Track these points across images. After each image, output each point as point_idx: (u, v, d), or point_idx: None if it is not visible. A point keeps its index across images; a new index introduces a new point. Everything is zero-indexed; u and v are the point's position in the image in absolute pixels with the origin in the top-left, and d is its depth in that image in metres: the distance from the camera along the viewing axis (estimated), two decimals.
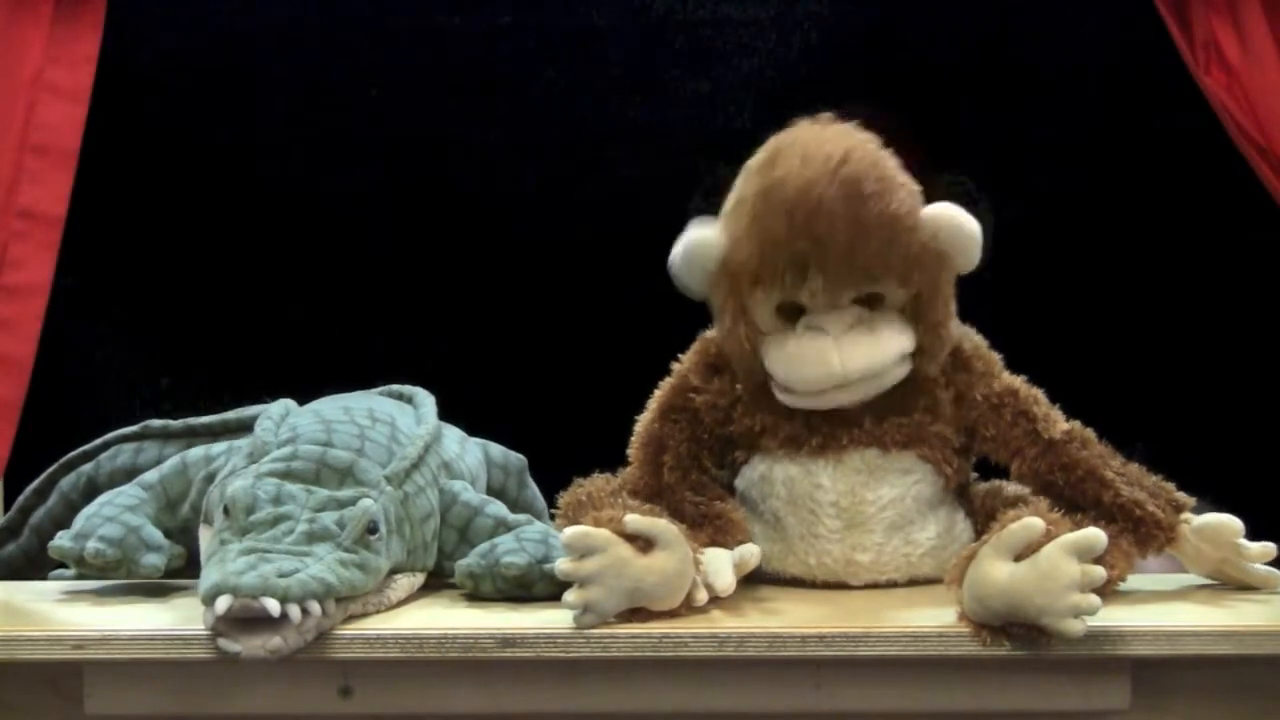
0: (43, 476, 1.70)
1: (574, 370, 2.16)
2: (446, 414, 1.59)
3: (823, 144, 1.40)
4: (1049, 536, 1.27)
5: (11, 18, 1.63)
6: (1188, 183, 2.13)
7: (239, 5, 2.17)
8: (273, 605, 1.22)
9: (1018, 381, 1.48)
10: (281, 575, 1.24)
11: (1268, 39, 1.64)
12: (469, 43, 2.18)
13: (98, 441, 1.68)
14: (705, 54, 2.19)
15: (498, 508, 1.49)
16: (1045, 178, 2.08)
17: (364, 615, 1.34)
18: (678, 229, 1.46)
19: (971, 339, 1.50)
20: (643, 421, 1.53)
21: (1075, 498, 1.43)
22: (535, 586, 1.39)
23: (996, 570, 1.28)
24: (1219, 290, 2.16)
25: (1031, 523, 1.28)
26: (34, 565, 1.64)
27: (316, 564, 1.27)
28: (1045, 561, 1.26)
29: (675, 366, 1.54)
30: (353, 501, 1.35)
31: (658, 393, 1.53)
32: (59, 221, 1.64)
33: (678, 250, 1.46)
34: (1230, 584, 1.46)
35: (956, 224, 1.43)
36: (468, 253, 2.20)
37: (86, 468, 1.66)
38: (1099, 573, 1.26)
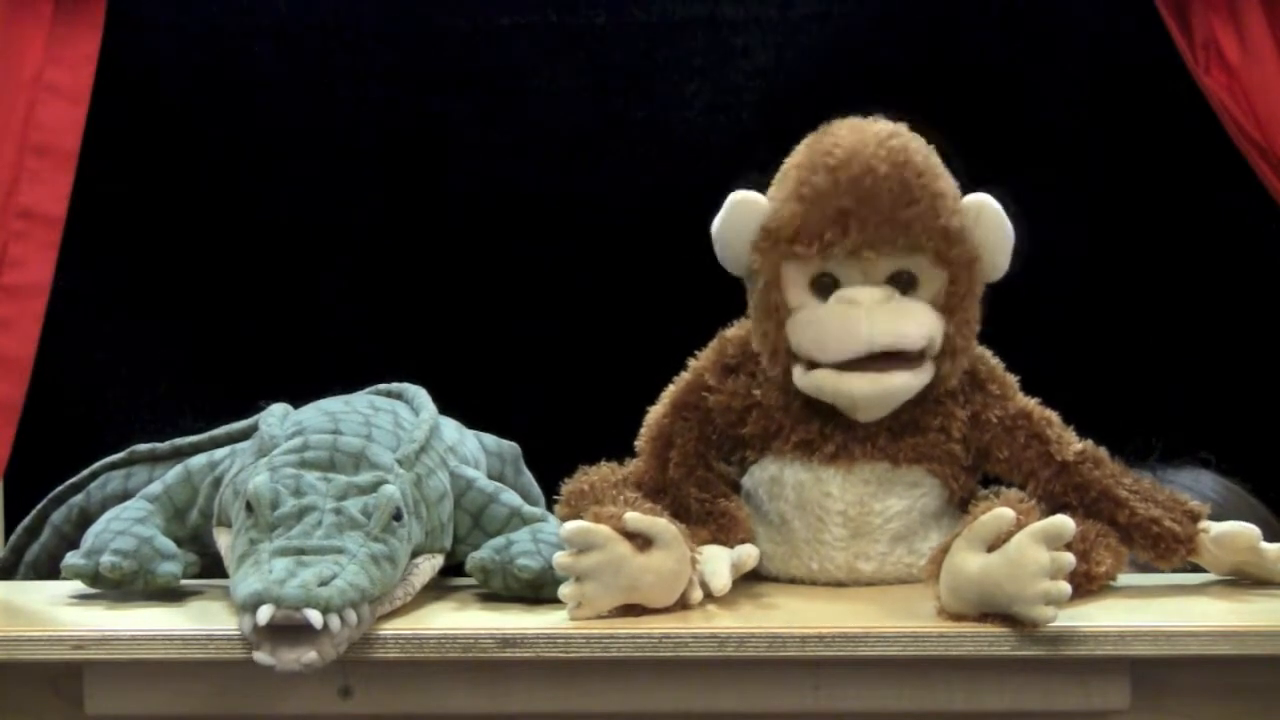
0: (32, 514, 1.69)
1: (567, 371, 2.16)
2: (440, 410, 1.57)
3: (872, 123, 1.44)
4: (1019, 526, 1.27)
5: (11, 18, 1.62)
6: (1187, 183, 2.13)
7: (239, 5, 2.17)
8: (315, 617, 1.21)
9: (1032, 404, 1.48)
10: (322, 583, 1.23)
11: (1268, 39, 1.63)
12: (468, 42, 2.19)
13: (85, 472, 1.67)
14: (705, 54, 2.19)
15: (511, 496, 1.49)
16: (1044, 178, 2.08)
17: (391, 612, 1.34)
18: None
19: (987, 361, 1.50)
20: (653, 414, 1.52)
21: (1091, 518, 1.43)
22: (545, 590, 1.38)
23: (968, 562, 1.29)
24: (1218, 290, 2.17)
25: (1001, 513, 1.28)
26: None
27: (351, 563, 1.27)
28: (1014, 550, 1.26)
29: (691, 363, 1.53)
30: (372, 487, 1.34)
31: (671, 387, 1.53)
32: (59, 221, 1.64)
33: (721, 213, 1.46)
34: (1250, 580, 1.47)
35: (998, 216, 1.45)
36: (465, 254, 2.20)
37: (77, 499, 1.66)
38: (1068, 559, 1.26)
